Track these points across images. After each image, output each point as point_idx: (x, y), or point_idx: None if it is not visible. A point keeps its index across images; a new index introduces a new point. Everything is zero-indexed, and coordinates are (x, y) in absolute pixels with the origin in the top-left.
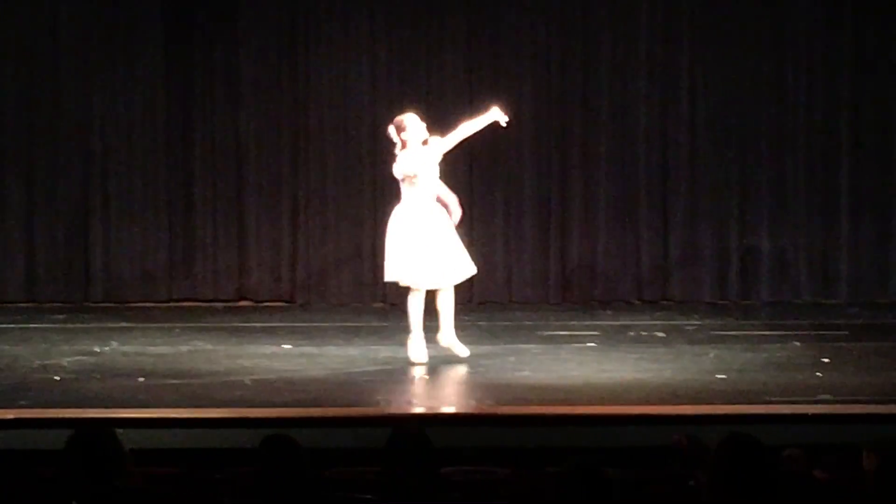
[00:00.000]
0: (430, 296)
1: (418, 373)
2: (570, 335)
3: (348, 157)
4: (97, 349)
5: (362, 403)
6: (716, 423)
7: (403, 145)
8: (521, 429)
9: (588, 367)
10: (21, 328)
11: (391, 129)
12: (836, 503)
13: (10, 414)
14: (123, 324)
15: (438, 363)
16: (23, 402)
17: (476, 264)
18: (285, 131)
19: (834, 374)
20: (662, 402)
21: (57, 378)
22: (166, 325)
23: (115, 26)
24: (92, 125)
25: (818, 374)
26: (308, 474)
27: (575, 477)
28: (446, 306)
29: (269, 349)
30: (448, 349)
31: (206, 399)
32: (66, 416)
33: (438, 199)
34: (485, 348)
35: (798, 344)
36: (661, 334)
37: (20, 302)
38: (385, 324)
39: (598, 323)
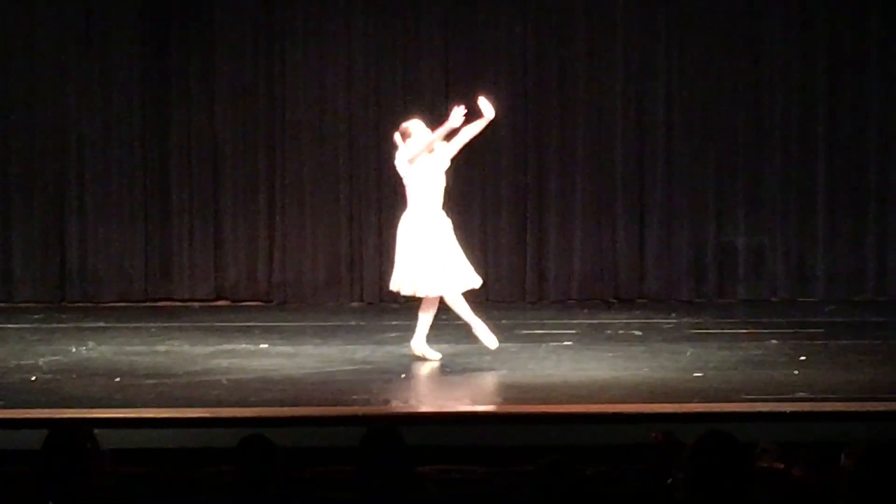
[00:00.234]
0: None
1: (395, 372)
2: (547, 334)
3: (325, 156)
4: (73, 349)
5: (339, 403)
6: (693, 421)
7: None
8: (498, 427)
9: (565, 365)
10: None
11: (397, 136)
12: (813, 501)
13: None
14: (100, 324)
15: (414, 363)
16: None
17: None
18: (262, 131)
19: (811, 371)
20: (639, 400)
21: (33, 378)
22: (143, 325)
23: (91, 26)
24: (68, 126)
25: (795, 371)
26: (284, 474)
27: (551, 475)
28: (429, 314)
29: (245, 349)
30: (421, 356)
31: (183, 399)
32: (43, 416)
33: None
34: (461, 347)
35: (775, 342)
36: (637, 333)
37: None
38: (362, 323)
39: (574, 321)
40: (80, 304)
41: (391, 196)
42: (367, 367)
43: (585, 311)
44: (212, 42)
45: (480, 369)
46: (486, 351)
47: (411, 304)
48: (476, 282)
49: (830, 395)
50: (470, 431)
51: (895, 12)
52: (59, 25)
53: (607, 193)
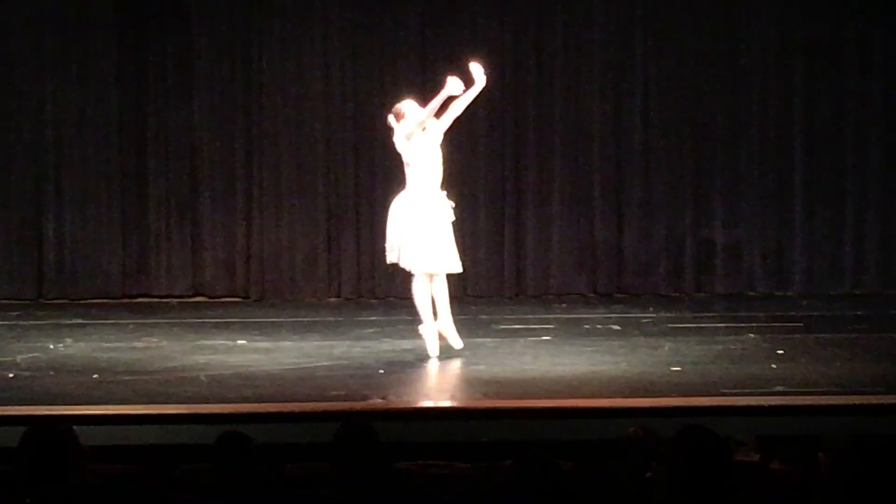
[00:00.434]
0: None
1: (373, 368)
2: (526, 329)
3: (302, 153)
4: (51, 346)
5: (317, 398)
6: (672, 416)
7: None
8: (477, 422)
9: (543, 360)
10: None
11: (390, 118)
12: (791, 494)
13: None
14: (78, 321)
15: (394, 358)
16: None
17: None
18: (239, 128)
19: (789, 365)
20: (618, 394)
21: (11, 375)
22: (120, 321)
23: (68, 21)
24: (45, 122)
25: (773, 365)
26: (263, 470)
27: (530, 470)
28: (440, 294)
29: (223, 345)
30: (443, 338)
31: (161, 395)
32: (20, 413)
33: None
34: (440, 343)
35: (753, 336)
36: (616, 327)
37: None
38: (339, 319)
39: (553, 316)
40: (58, 301)
41: (368, 192)
42: (345, 362)
43: (563, 305)
44: (189, 39)
45: (458, 365)
46: (427, 354)
47: (389, 300)
48: (457, 268)
49: (808, 389)
50: (449, 427)
51: (872, 6)
52: (35, 21)
53: (585, 188)
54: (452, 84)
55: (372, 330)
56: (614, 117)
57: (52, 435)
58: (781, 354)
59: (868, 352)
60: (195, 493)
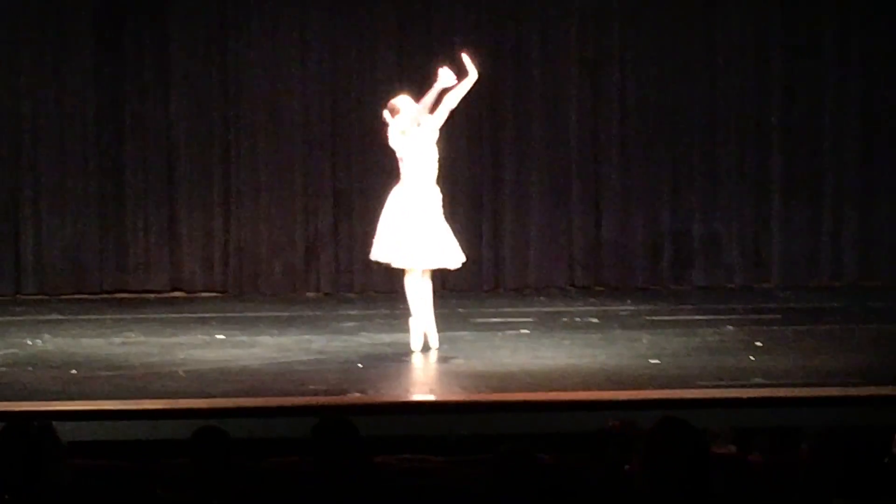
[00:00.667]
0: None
1: (352, 362)
2: (504, 322)
3: (279, 146)
4: (29, 342)
5: (296, 393)
6: (650, 408)
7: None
8: (455, 416)
9: (522, 353)
10: None
11: (385, 113)
12: (770, 486)
13: None
14: (55, 316)
15: (372, 352)
16: None
17: None
18: (216, 122)
19: (767, 357)
20: (596, 387)
21: None
22: (99, 317)
23: (44, 16)
24: (22, 117)
25: (751, 357)
26: (241, 465)
27: (509, 463)
28: (426, 292)
29: (202, 340)
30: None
31: (140, 391)
32: None
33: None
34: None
35: (731, 328)
36: (594, 320)
37: None
38: (318, 313)
39: (531, 309)
40: (35, 297)
41: (346, 186)
42: (324, 357)
43: (542, 298)
44: (165, 33)
45: (437, 358)
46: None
47: (368, 295)
48: (458, 260)
49: (787, 381)
50: (427, 421)
51: (849, 0)
52: (11, 18)
53: (563, 181)
54: (445, 75)
55: (350, 324)
56: (592, 110)
57: (30, 431)
58: (759, 346)
59: (846, 343)
60: (173, 488)
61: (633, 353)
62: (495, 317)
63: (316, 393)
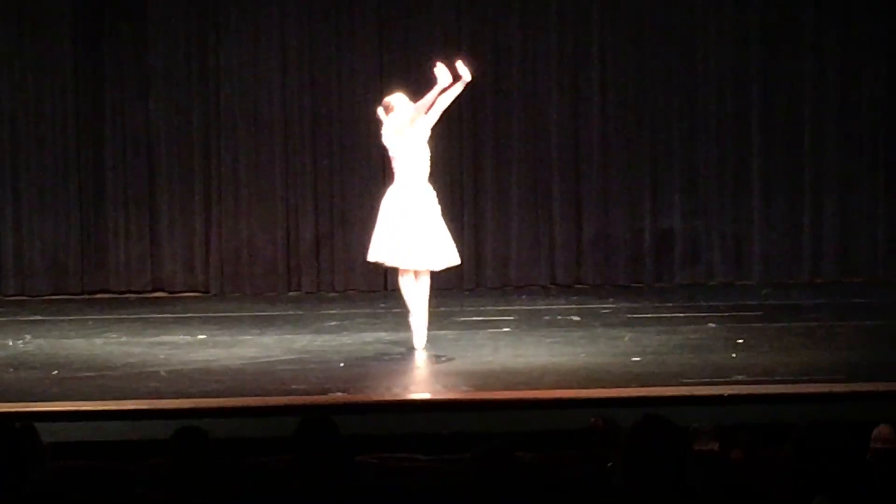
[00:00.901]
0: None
1: (334, 361)
2: (485, 320)
3: (260, 145)
4: (10, 343)
5: (278, 393)
6: (632, 406)
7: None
8: (437, 415)
9: (503, 352)
10: None
11: (380, 111)
12: (752, 483)
13: None
14: (36, 317)
15: (354, 352)
16: None
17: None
18: (196, 122)
19: (748, 354)
20: (578, 385)
21: None
22: (80, 317)
23: (23, 17)
24: (1, 117)
25: (733, 354)
26: (220, 465)
27: (491, 462)
28: (423, 291)
29: (184, 340)
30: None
31: (122, 391)
32: None
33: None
34: (399, 335)
35: (712, 325)
36: (575, 318)
37: None
38: (300, 313)
39: (512, 308)
40: (16, 298)
41: (327, 185)
42: (306, 356)
43: (523, 297)
44: (145, 33)
45: (419, 357)
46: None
47: (349, 294)
48: (454, 260)
49: (768, 378)
50: (409, 419)
51: None
52: None
53: (543, 179)
54: (441, 74)
55: (332, 323)
56: (572, 109)
57: (12, 432)
58: (741, 343)
59: (827, 340)
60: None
61: (614, 351)
62: (477, 315)
63: (298, 392)
